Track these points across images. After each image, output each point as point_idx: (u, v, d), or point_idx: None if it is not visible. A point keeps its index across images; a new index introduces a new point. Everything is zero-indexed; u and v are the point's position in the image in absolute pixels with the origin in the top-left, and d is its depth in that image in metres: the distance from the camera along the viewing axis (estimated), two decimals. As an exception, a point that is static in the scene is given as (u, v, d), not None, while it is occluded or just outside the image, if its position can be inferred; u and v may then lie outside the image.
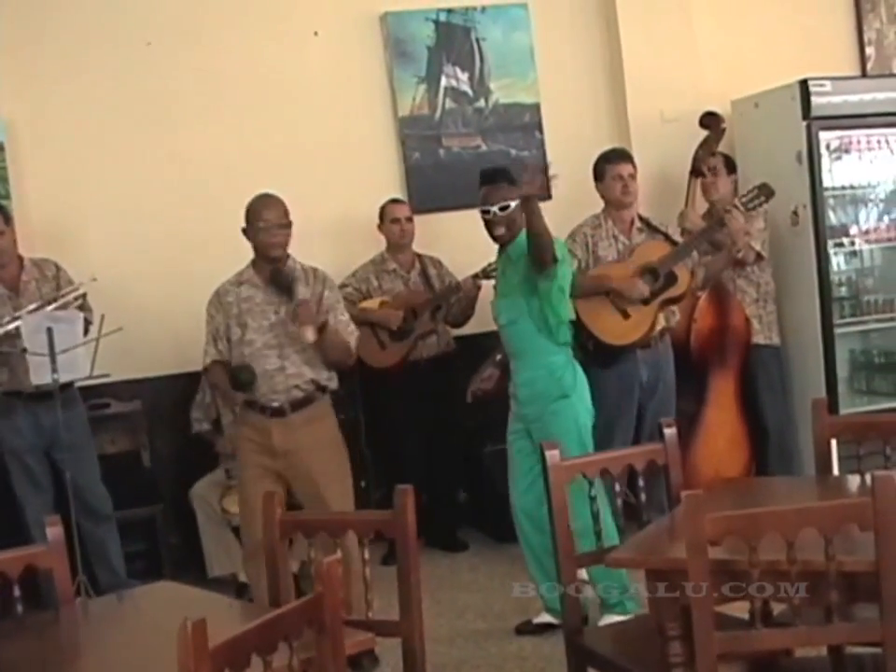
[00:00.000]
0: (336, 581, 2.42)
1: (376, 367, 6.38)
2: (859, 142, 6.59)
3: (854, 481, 3.66)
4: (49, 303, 5.49)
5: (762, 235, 6.33)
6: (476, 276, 6.21)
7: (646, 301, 5.66)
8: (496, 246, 5.03)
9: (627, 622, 3.77)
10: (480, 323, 6.24)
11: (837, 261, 6.65)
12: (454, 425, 6.43)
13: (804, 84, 6.32)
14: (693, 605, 2.68)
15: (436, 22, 6.99)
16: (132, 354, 6.12)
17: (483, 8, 7.04)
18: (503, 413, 5.11)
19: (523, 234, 4.90)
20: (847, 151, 6.58)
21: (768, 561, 2.69)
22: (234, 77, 6.61)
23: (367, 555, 3.20)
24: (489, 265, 5.92)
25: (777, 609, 3.28)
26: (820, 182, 6.38)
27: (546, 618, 4.99)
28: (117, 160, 6.45)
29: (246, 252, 4.99)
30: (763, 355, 6.44)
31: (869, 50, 7.62)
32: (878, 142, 6.62)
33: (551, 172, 6.37)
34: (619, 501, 3.66)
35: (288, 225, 4.87)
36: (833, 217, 6.57)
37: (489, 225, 4.89)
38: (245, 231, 4.92)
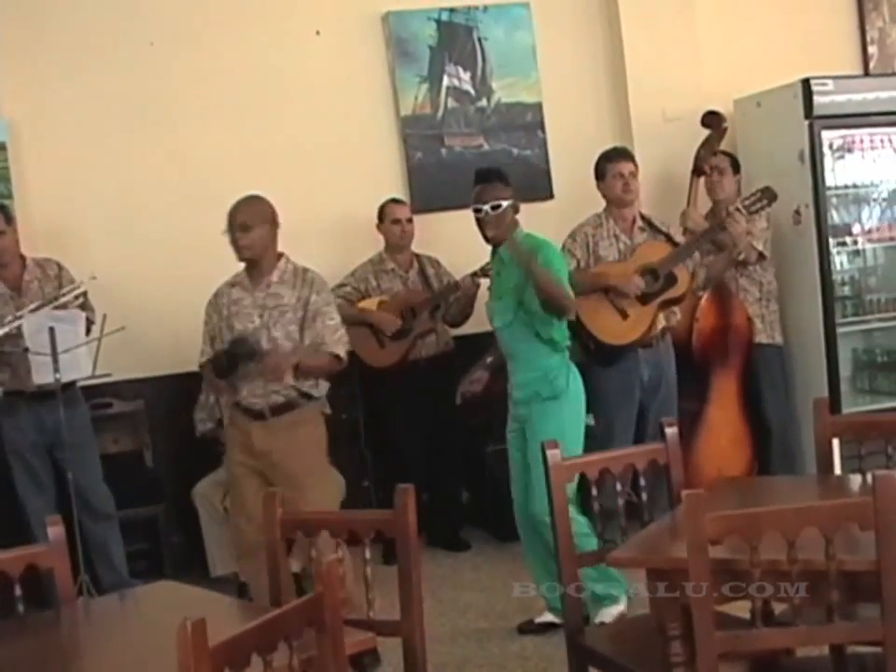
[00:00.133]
0: (336, 580, 2.42)
1: (376, 366, 6.38)
2: (862, 141, 6.58)
3: (856, 480, 3.66)
4: (51, 302, 5.49)
5: (764, 235, 6.32)
6: (475, 275, 6.20)
7: (645, 302, 5.66)
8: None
9: (628, 621, 3.76)
10: (479, 322, 6.23)
11: (840, 261, 6.64)
12: (454, 424, 6.42)
13: (806, 83, 6.31)
14: (693, 604, 2.68)
15: (438, 22, 6.98)
16: (134, 353, 6.12)
17: (485, 8, 7.04)
18: (505, 413, 5.11)
19: (516, 235, 4.91)
20: (849, 150, 6.58)
21: (769, 560, 2.69)
22: (236, 77, 6.61)
23: (368, 555, 3.19)
24: (487, 264, 5.91)
25: (779, 608, 3.28)
26: (823, 181, 6.37)
27: (548, 617, 4.99)
28: (118, 159, 6.46)
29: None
30: (766, 354, 6.44)
31: (871, 49, 7.62)
32: (881, 141, 6.61)
33: None
34: (620, 501, 3.66)
35: (249, 228, 4.80)
36: (835, 217, 6.57)
37: (481, 224, 4.89)
38: None
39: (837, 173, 6.52)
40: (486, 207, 4.85)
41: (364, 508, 5.82)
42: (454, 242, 6.50)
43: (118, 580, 5.66)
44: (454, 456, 6.55)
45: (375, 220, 6.52)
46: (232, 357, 4.85)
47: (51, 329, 5.27)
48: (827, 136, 6.40)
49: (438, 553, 6.38)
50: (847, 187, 6.61)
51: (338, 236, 6.70)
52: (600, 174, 5.84)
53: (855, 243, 6.68)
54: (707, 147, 6.41)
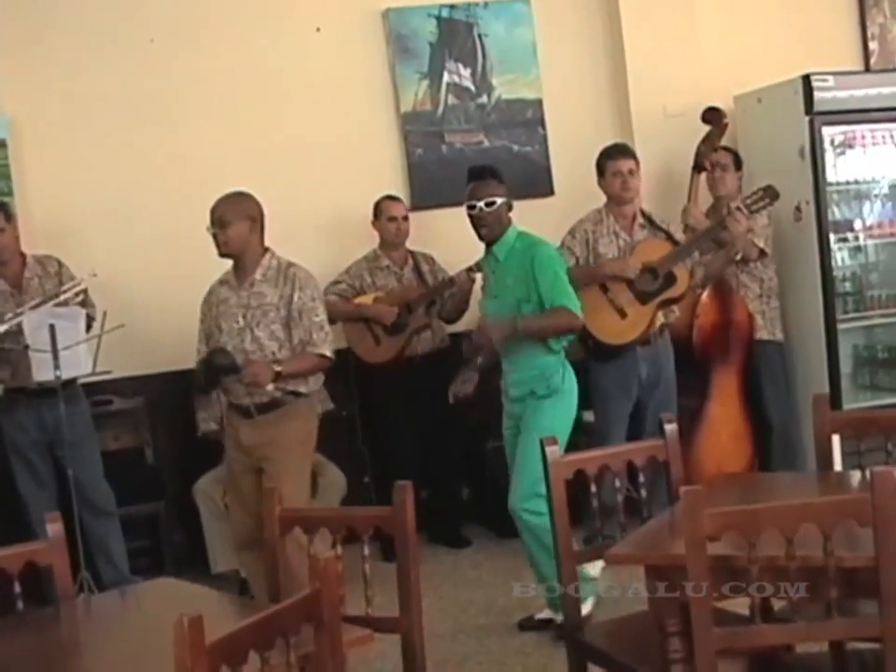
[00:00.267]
0: (334, 577, 2.42)
1: (371, 363, 6.38)
2: (863, 137, 6.58)
3: (855, 476, 3.66)
4: (51, 299, 5.49)
5: (765, 231, 6.32)
6: (470, 269, 6.15)
7: (644, 301, 5.66)
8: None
9: (627, 618, 3.76)
10: (474, 318, 6.23)
11: (841, 257, 6.64)
12: (450, 420, 6.42)
13: (806, 79, 6.31)
14: (691, 601, 2.67)
15: (438, 18, 6.98)
16: (134, 350, 6.12)
17: (486, 4, 7.03)
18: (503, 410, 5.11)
19: (509, 233, 4.92)
20: (850, 146, 6.58)
21: (767, 557, 2.68)
22: (236, 74, 6.61)
23: (366, 551, 3.19)
24: (482, 259, 5.91)
25: (778, 604, 3.27)
26: (823, 177, 6.36)
27: (548, 614, 4.99)
28: (119, 157, 6.45)
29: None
30: (767, 350, 6.44)
31: (872, 45, 7.60)
32: (882, 137, 6.61)
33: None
34: (619, 498, 3.66)
35: (227, 224, 4.79)
36: (836, 213, 6.56)
37: (475, 221, 4.89)
38: None
39: (838, 169, 6.51)
40: (480, 204, 4.85)
41: (365, 504, 5.82)
42: (450, 238, 6.50)
43: (118, 577, 5.67)
44: (452, 453, 6.55)
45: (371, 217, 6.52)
46: (211, 371, 4.85)
47: (52, 327, 5.27)
48: (828, 132, 6.39)
49: (439, 549, 6.38)
50: (848, 183, 6.60)
51: (343, 233, 6.69)
52: (600, 170, 5.84)
53: (856, 239, 6.67)
54: (708, 144, 6.41)
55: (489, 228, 4.88)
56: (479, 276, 5.98)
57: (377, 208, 6.50)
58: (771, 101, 6.63)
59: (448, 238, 6.58)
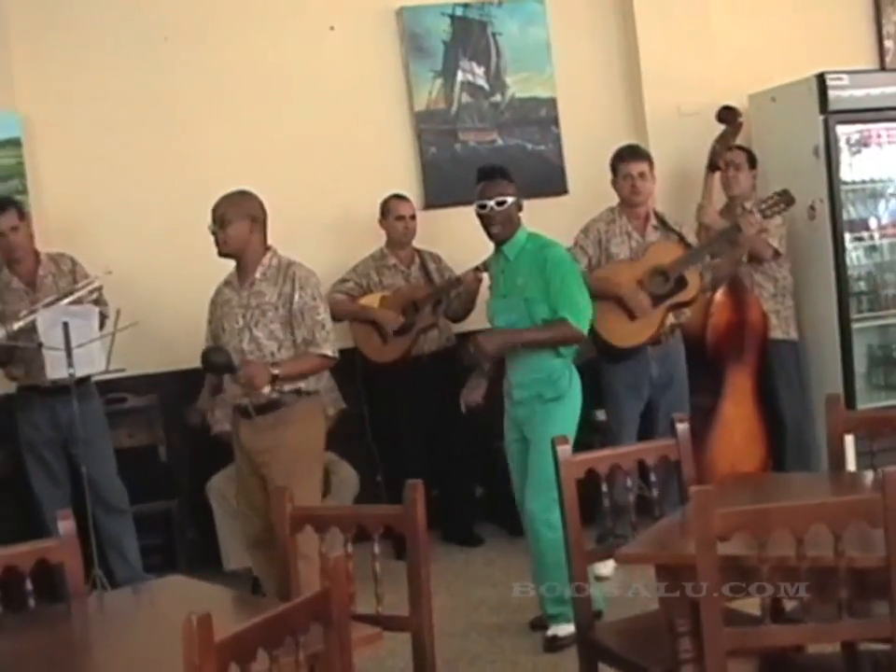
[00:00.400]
0: (343, 576, 2.42)
1: (379, 362, 6.38)
2: (879, 136, 6.55)
3: (868, 476, 3.65)
4: (65, 297, 5.50)
5: (779, 231, 6.30)
6: (477, 269, 6.14)
7: (654, 304, 5.65)
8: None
9: (638, 617, 3.75)
10: (481, 317, 6.22)
11: (856, 255, 6.61)
12: (461, 419, 6.42)
13: (821, 78, 6.29)
14: (701, 601, 2.67)
15: (452, 17, 6.97)
16: (148, 348, 6.12)
17: (500, 3, 7.02)
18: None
19: (519, 234, 4.90)
20: (865, 145, 6.56)
21: (778, 557, 2.68)
22: (250, 72, 6.61)
23: (377, 550, 3.19)
24: (489, 259, 5.89)
25: (790, 604, 3.26)
26: (838, 176, 6.35)
27: (554, 629, 4.94)
28: (133, 154, 6.46)
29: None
30: (781, 350, 6.42)
31: (888, 44, 7.56)
32: (897, 136, 6.59)
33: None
34: (631, 497, 3.66)
35: (227, 223, 4.77)
36: (852, 212, 6.54)
37: (486, 221, 4.86)
38: None
39: (853, 168, 6.50)
40: (491, 203, 4.83)
41: (377, 503, 5.83)
42: (463, 237, 6.48)
43: (132, 574, 5.69)
44: (461, 452, 6.53)
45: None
46: (207, 369, 4.84)
47: (65, 325, 5.28)
48: (842, 131, 6.38)
49: (451, 548, 6.39)
50: (864, 182, 6.58)
51: (356, 231, 6.69)
52: (613, 171, 5.85)
53: (871, 238, 6.65)
54: (723, 143, 6.40)
55: (500, 227, 4.86)
56: (486, 276, 5.98)
57: (384, 207, 6.49)
58: (785, 100, 6.61)
59: (461, 236, 6.56)
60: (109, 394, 6.06)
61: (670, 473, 3.74)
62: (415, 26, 6.92)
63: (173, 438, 6.48)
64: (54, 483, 5.75)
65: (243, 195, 4.86)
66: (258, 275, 4.83)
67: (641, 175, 5.76)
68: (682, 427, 3.66)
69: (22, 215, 5.68)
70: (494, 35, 7.03)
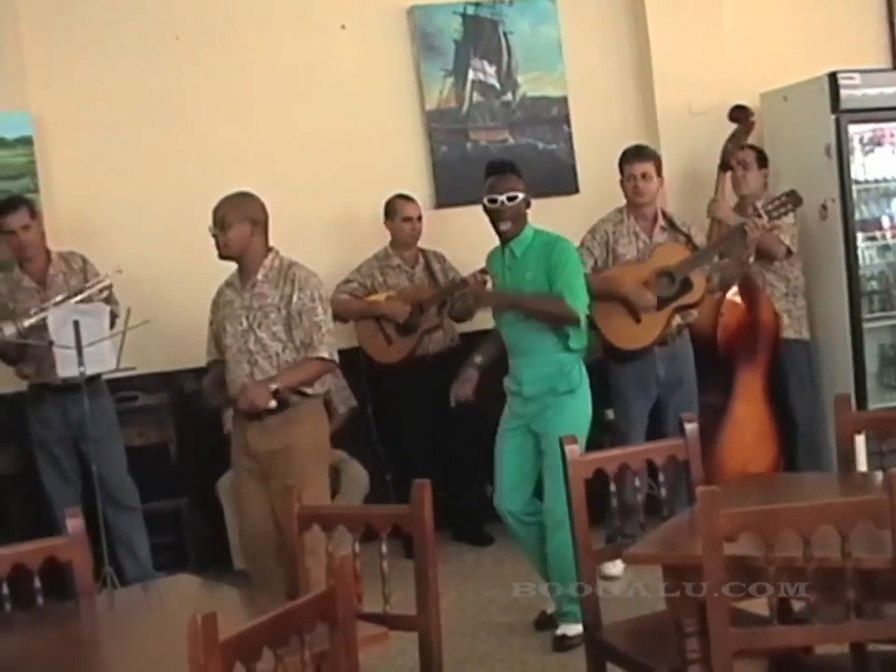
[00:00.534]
0: (350, 575, 2.43)
1: (383, 362, 6.38)
2: (892, 135, 6.54)
3: (877, 477, 3.63)
4: (76, 295, 5.52)
5: (791, 230, 6.29)
6: (483, 272, 6.14)
7: (659, 307, 5.63)
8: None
9: (645, 617, 3.75)
10: (486, 319, 6.20)
11: (869, 255, 6.59)
12: (466, 419, 6.39)
13: (832, 77, 6.28)
14: (708, 601, 2.66)
15: (463, 16, 6.97)
16: (158, 346, 6.12)
17: (511, 2, 7.02)
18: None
19: (528, 230, 4.88)
20: (878, 144, 6.55)
21: (785, 557, 2.67)
22: (261, 71, 6.62)
23: (384, 549, 3.19)
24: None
25: (798, 605, 3.26)
26: (849, 175, 6.34)
27: (563, 628, 4.93)
28: (144, 153, 6.47)
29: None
30: (793, 349, 6.40)
31: (900, 43, 7.55)
32: (910, 135, 6.57)
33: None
34: (640, 497, 3.65)
35: (228, 226, 4.72)
36: (864, 211, 6.52)
37: (496, 216, 4.83)
38: None
39: (866, 167, 6.48)
40: (502, 198, 4.80)
41: (387, 502, 5.83)
42: (473, 236, 6.46)
43: (142, 572, 5.70)
44: (467, 452, 6.51)
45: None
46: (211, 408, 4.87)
47: (76, 323, 5.29)
48: (854, 130, 6.36)
49: (461, 547, 6.39)
50: (875, 181, 6.56)
51: (368, 230, 6.69)
52: (620, 171, 5.84)
53: (883, 237, 6.63)
54: (734, 142, 6.38)
55: (511, 222, 4.83)
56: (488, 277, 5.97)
57: (389, 207, 6.48)
58: (797, 98, 6.60)
59: (472, 236, 6.52)
60: (120, 392, 6.07)
61: (679, 473, 3.73)
62: (427, 25, 6.92)
63: (183, 436, 6.48)
64: (65, 480, 5.77)
65: (243, 197, 4.82)
66: (259, 277, 4.78)
67: (644, 175, 5.75)
68: (691, 427, 3.65)
69: (34, 213, 5.70)
70: (505, 33, 7.03)
